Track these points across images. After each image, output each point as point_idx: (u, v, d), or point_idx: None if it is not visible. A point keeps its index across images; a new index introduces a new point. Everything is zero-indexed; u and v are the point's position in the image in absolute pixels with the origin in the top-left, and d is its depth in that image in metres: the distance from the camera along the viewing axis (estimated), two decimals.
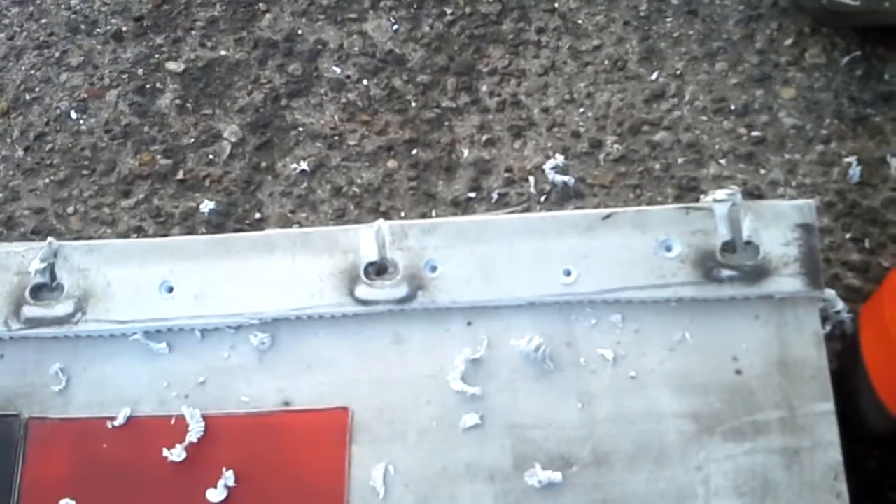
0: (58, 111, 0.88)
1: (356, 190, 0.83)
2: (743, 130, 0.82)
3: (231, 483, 0.63)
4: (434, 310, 0.67)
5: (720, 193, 0.66)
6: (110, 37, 0.92)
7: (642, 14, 0.89)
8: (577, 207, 0.80)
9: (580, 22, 0.90)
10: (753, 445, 0.61)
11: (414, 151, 0.85)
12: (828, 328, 0.67)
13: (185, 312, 0.68)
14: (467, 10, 0.91)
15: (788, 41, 0.86)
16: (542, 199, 0.81)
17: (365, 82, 0.89)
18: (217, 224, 0.81)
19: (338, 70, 0.89)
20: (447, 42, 0.90)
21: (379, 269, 0.68)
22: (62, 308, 0.68)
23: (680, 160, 0.82)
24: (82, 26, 0.93)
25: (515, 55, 0.89)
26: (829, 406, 0.61)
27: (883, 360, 0.61)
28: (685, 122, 0.83)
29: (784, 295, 0.63)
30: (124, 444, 0.66)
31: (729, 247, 0.65)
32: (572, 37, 0.89)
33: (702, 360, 0.63)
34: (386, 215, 0.81)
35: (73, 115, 0.88)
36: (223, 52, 0.91)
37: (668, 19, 0.89)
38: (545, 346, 0.64)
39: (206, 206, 0.82)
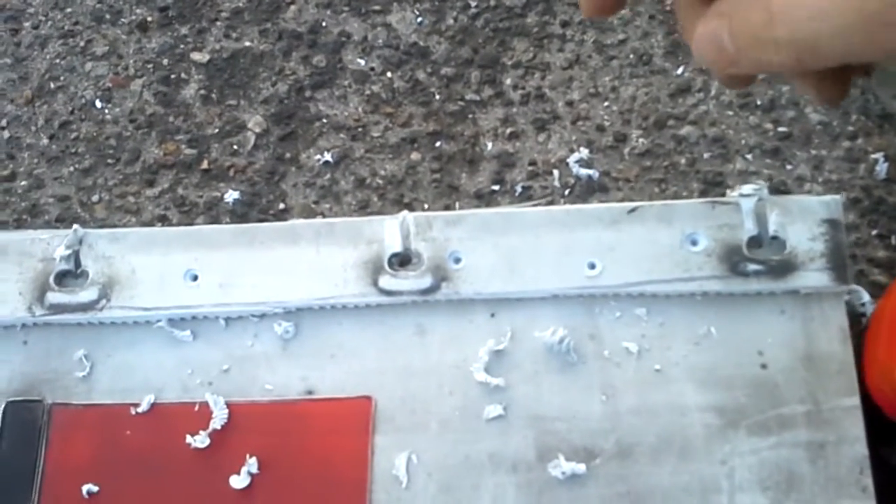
0: (82, 100, 0.89)
1: (379, 181, 0.83)
2: (769, 126, 0.82)
3: (254, 470, 0.63)
4: (458, 301, 0.67)
5: (747, 188, 0.65)
6: (135, 27, 0.92)
7: (668, 8, 0.89)
8: (601, 201, 0.80)
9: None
10: (778, 439, 0.60)
11: (437, 144, 0.85)
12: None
13: (209, 300, 0.68)
14: (492, 2, 0.91)
15: None
16: (566, 192, 0.81)
17: (389, 74, 0.89)
18: (241, 214, 0.81)
19: (362, 62, 0.89)
20: (471, 35, 0.90)
21: (403, 260, 0.68)
22: (87, 295, 0.69)
23: (706, 155, 0.81)
24: (107, 16, 0.93)
25: (540, 48, 0.88)
26: (855, 401, 0.61)
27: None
28: (711, 117, 0.83)
29: (810, 290, 0.63)
30: (148, 430, 0.66)
31: (755, 241, 0.65)
32: (597, 31, 0.89)
33: (727, 354, 0.63)
34: (409, 207, 0.81)
35: (98, 104, 0.88)
36: (248, 44, 0.91)
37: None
38: (569, 338, 0.64)
39: (231, 195, 0.82)
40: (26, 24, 0.93)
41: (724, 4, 0.36)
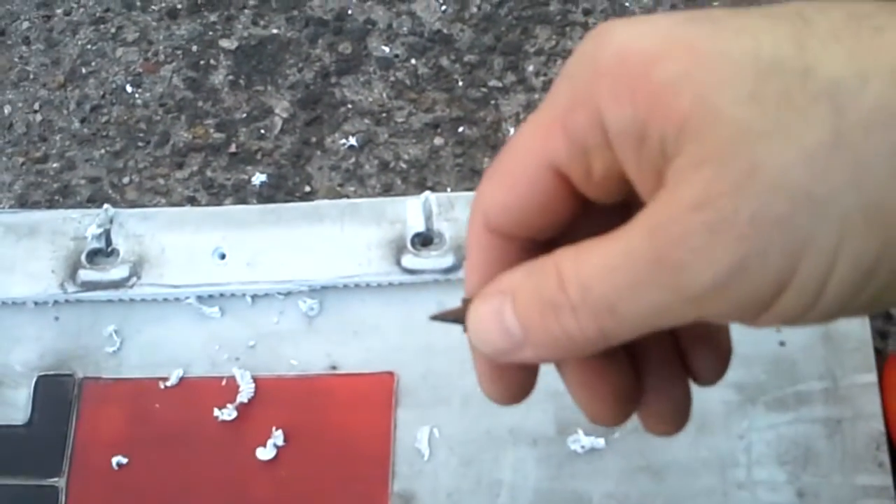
0: (113, 85, 0.90)
1: (403, 165, 0.84)
2: None
3: (280, 443, 0.65)
4: None
5: None
6: (165, 14, 0.94)
7: None
8: None
9: (627, 4, 0.90)
10: (796, 415, 0.61)
11: (460, 129, 0.86)
12: None
13: (236, 278, 0.69)
14: None
15: None
16: None
17: (413, 61, 0.90)
18: (268, 196, 0.83)
19: (386, 49, 0.91)
20: (494, 22, 0.91)
21: (425, 240, 0.70)
22: (117, 272, 0.70)
23: None
24: (137, 3, 0.95)
25: (562, 36, 0.89)
26: (872, 377, 0.61)
27: None
28: None
29: None
30: (176, 403, 0.67)
31: None
32: (619, 18, 0.89)
33: (746, 331, 0.63)
34: (432, 190, 0.81)
35: (129, 88, 0.90)
36: (275, 31, 0.92)
37: (716, 2, 0.89)
38: None
39: (258, 178, 0.83)
40: (58, 11, 0.95)
41: (505, 279, 0.30)
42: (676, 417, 0.36)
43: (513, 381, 0.35)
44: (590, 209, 0.31)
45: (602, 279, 0.27)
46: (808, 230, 0.24)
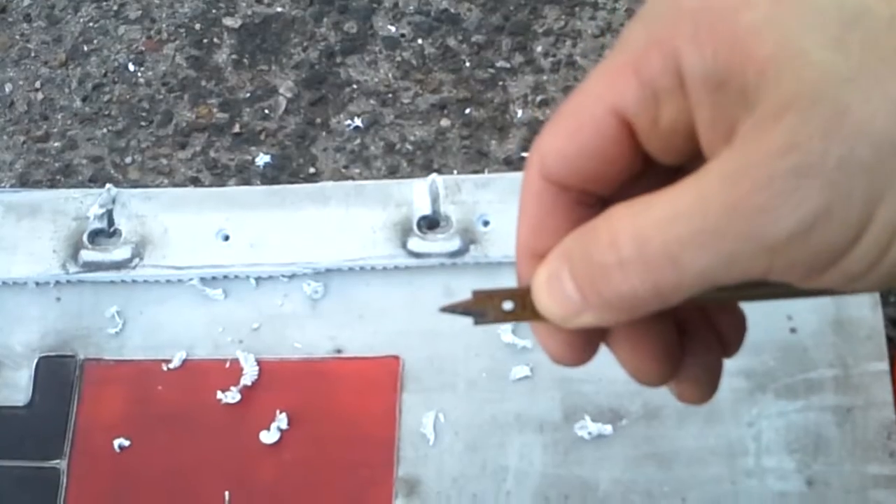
0: (116, 63, 0.89)
1: (409, 147, 0.83)
2: None
3: (284, 426, 0.64)
4: (485, 264, 0.67)
5: None
6: None
7: None
8: None
9: None
10: (806, 403, 0.60)
11: (467, 110, 0.85)
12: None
13: (240, 260, 0.68)
14: None
15: None
16: None
17: (419, 41, 0.89)
18: (272, 177, 0.82)
19: (392, 28, 0.90)
20: (502, 2, 0.90)
21: (431, 223, 0.69)
22: (120, 253, 0.69)
23: None
24: None
25: (571, 16, 0.88)
26: (884, 366, 0.60)
27: None
28: None
29: None
30: (179, 386, 0.67)
31: None
32: None
33: (756, 318, 0.62)
34: (438, 172, 0.81)
35: (131, 67, 0.89)
36: (279, 9, 0.91)
37: None
38: None
39: (262, 159, 0.82)
40: None
41: (564, 242, 0.29)
42: (710, 384, 0.36)
43: (576, 341, 0.34)
44: (645, 175, 0.30)
45: (664, 228, 0.26)
46: (888, 178, 0.24)
